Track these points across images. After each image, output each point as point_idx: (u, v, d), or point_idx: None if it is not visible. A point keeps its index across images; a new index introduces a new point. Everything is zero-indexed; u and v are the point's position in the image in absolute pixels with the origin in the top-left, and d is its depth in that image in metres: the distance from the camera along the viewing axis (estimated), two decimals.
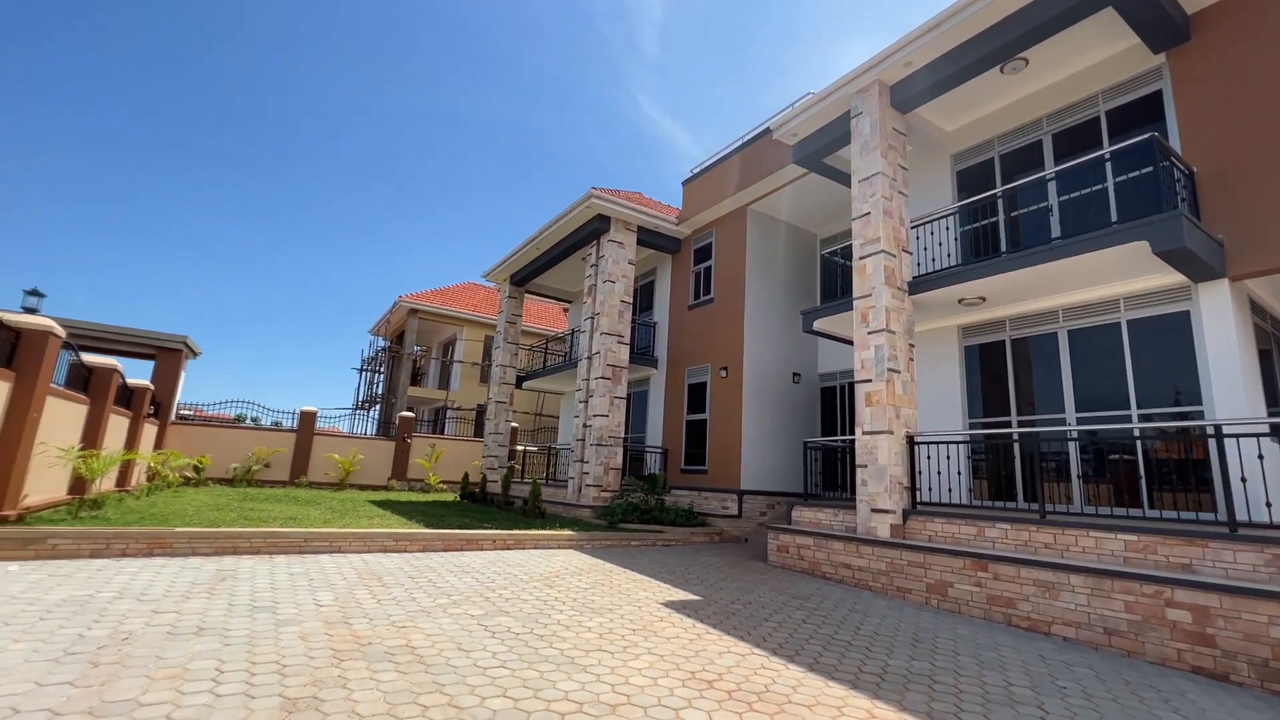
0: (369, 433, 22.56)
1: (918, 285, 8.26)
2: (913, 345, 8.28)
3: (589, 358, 13.57)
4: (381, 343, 28.21)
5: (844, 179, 10.63)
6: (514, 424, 20.53)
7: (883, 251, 8.16)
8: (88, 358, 9.53)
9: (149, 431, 14.02)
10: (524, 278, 17.65)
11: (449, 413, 23.81)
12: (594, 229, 13.71)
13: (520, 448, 17.80)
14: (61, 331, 7.34)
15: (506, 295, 18.05)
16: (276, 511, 10.20)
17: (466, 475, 16.71)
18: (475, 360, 24.79)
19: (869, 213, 8.45)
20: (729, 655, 4.53)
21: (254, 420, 18.26)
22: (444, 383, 27.73)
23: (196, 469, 15.15)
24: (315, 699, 3.26)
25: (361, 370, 27.65)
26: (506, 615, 5.24)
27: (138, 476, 13.09)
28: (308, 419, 17.88)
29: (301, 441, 17.62)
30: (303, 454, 17.53)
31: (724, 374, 12.52)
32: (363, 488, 17.92)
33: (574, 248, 15.02)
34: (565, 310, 28.38)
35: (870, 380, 7.95)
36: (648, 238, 14.24)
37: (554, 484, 14.96)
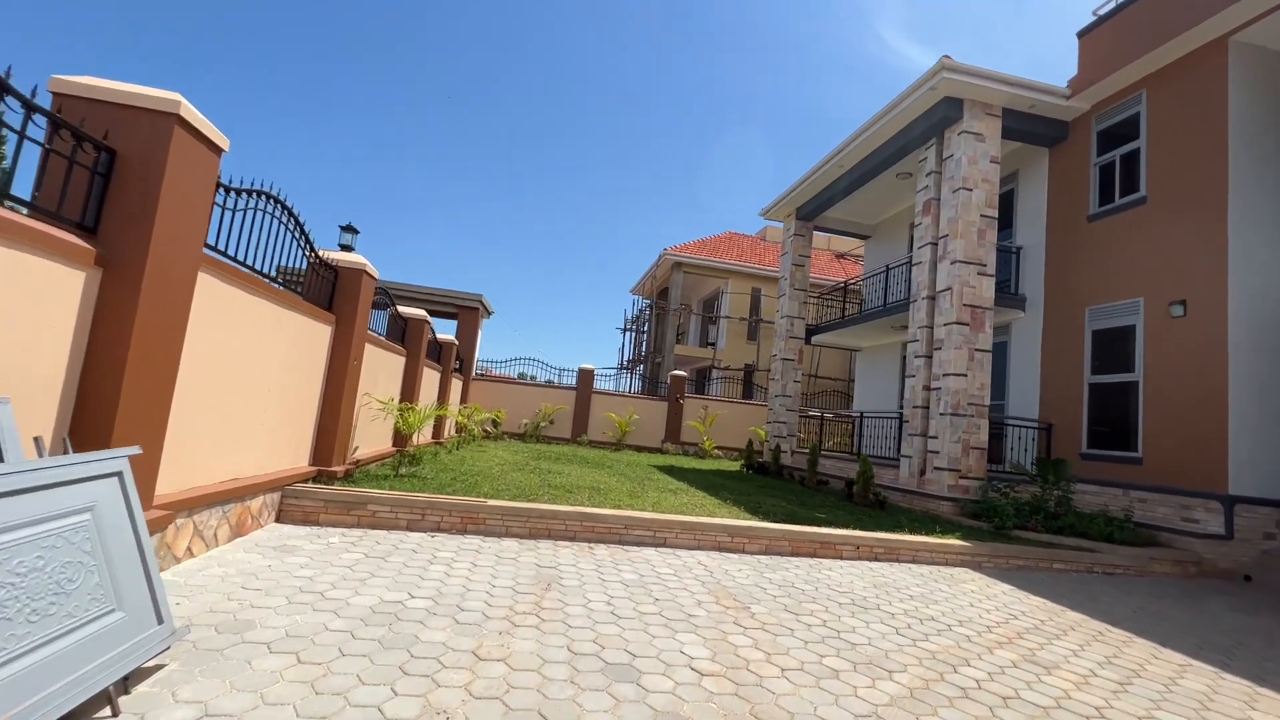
0: (631, 391, 22.08)
1: None
2: None
3: (930, 297, 10.08)
4: (644, 302, 27.82)
5: None
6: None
7: None
8: (403, 310, 9.33)
9: (455, 386, 14.62)
10: (814, 210, 14.58)
11: (715, 372, 22.14)
12: (936, 120, 10.00)
13: (818, 413, 15.05)
14: (374, 271, 6.63)
15: (792, 233, 15.21)
16: (573, 475, 9.11)
17: (750, 443, 14.61)
18: (741, 315, 22.63)
19: None
20: None
21: (531, 377, 18.68)
22: (705, 340, 26.29)
23: (495, 423, 15.62)
24: None
25: (625, 330, 27.65)
26: None
27: (448, 429, 13.59)
28: (586, 377, 17.56)
29: (580, 399, 17.37)
30: (582, 412, 17.28)
31: (1178, 312, 8.01)
32: (638, 449, 17.11)
33: (894, 157, 11.47)
34: (838, 258, 24.59)
35: None
36: (1015, 124, 10.03)
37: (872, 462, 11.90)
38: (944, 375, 9.39)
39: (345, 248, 11.65)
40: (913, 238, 14.07)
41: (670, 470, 12.15)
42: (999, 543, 6.78)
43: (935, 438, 9.37)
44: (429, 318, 9.82)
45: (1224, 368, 7.41)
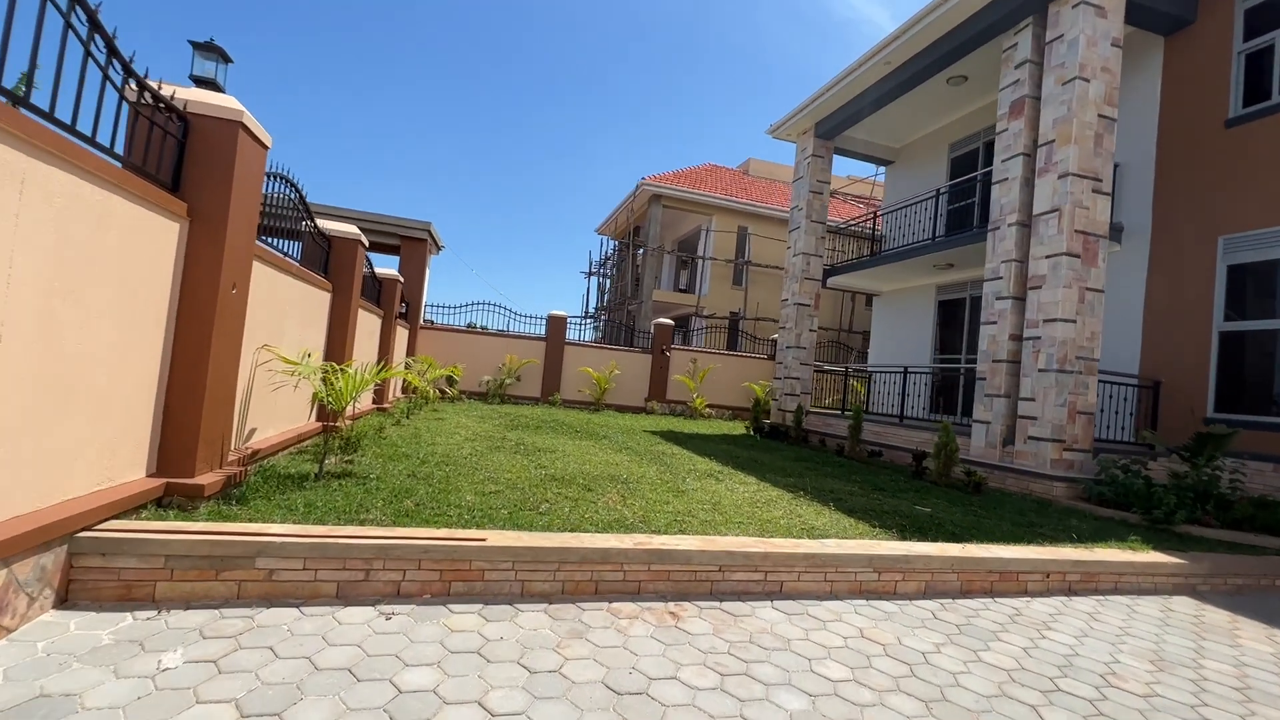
0: (607, 342, 19.59)
1: None
2: None
3: (1022, 223, 7.99)
4: (612, 243, 25.02)
5: None
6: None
7: None
8: (324, 224, 6.45)
9: (400, 336, 11.76)
10: (838, 125, 12.16)
11: (697, 321, 19.88)
12: None
13: (841, 368, 13.05)
14: (264, 132, 3.83)
15: (809, 154, 12.78)
16: (573, 454, 6.78)
17: (758, 402, 12.53)
18: (727, 257, 20.24)
19: None
20: None
21: (481, 327, 15.73)
22: (677, 285, 23.88)
23: (450, 381, 12.89)
24: None
25: (589, 274, 24.86)
26: None
27: (394, 390, 10.84)
28: (557, 325, 14.91)
29: (552, 352, 14.77)
30: (554, 366, 14.71)
31: None
32: (619, 409, 14.81)
33: (962, 49, 9.16)
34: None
35: None
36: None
37: (908, 424, 10.04)
38: (1045, 321, 7.39)
39: (204, 83, 7.10)
40: (957, 159, 11.98)
41: (672, 437, 9.95)
42: (1169, 544, 4.89)
43: (1032, 400, 7.44)
44: (364, 239, 6.97)
45: None
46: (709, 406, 15.48)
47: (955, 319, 11.69)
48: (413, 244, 13.22)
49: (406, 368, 10.68)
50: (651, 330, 15.83)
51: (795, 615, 3.29)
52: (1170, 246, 8.03)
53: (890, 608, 3.56)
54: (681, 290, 23.26)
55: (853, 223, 15.22)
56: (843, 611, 3.42)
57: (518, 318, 15.38)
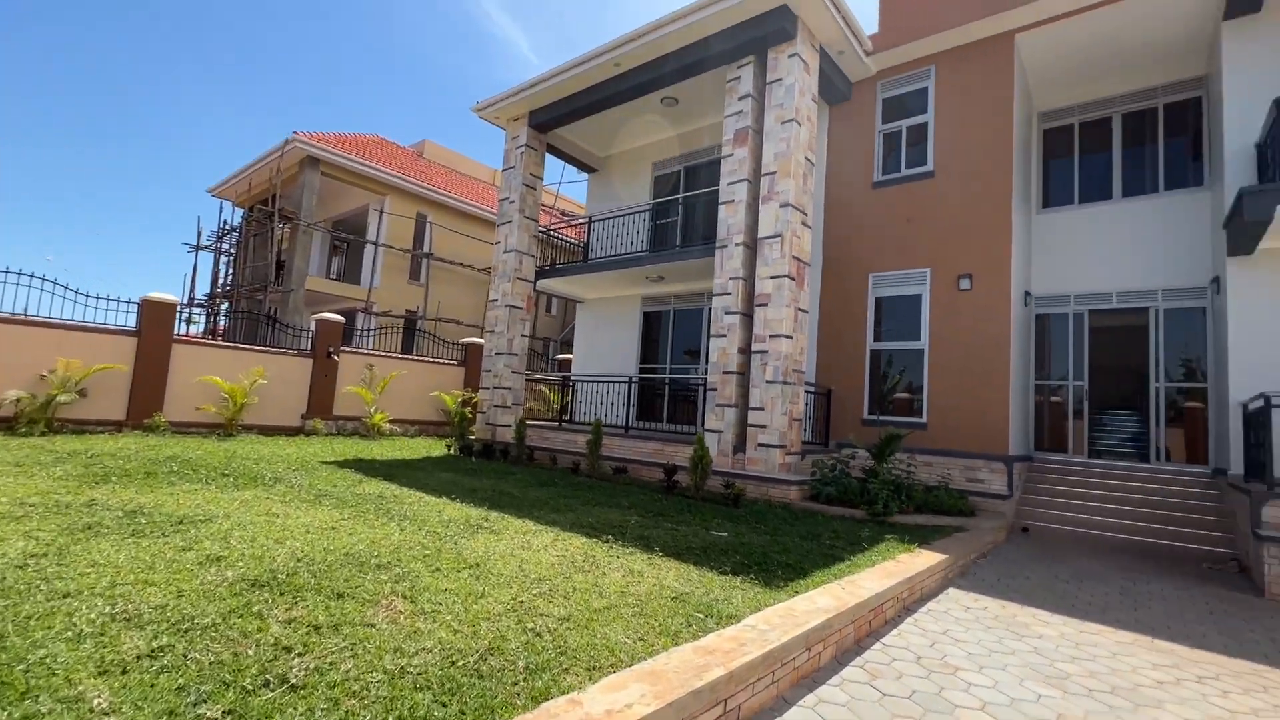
0: (240, 341, 14.39)
1: None
2: None
3: (748, 245, 8.55)
4: (240, 211, 19.04)
5: None
6: (477, 340, 14.55)
7: None
8: None
9: None
10: (554, 119, 11.43)
11: (366, 318, 16.56)
12: (763, 34, 8.39)
13: (558, 376, 12.13)
14: None
15: (523, 143, 11.70)
16: (244, 518, 4.53)
17: (463, 416, 10.83)
18: (404, 246, 17.38)
19: None
20: None
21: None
22: (328, 272, 19.67)
23: None
24: None
25: (198, 249, 18.47)
26: None
27: None
28: (159, 314, 10.23)
29: (150, 351, 10.05)
30: (154, 373, 10.04)
31: (964, 285, 8.47)
32: (266, 431, 11.07)
33: (688, 70, 9.48)
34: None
35: None
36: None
37: (633, 434, 9.92)
38: (772, 336, 8.02)
39: None
40: (660, 177, 12.56)
41: (369, 469, 7.72)
42: (913, 537, 5.67)
43: (761, 409, 7.97)
44: None
45: (1004, 339, 8.09)
46: (391, 422, 12.89)
47: (658, 330, 12.26)
48: None
49: None
50: (312, 327, 12.36)
51: None
52: (836, 279, 9.78)
53: (840, 695, 2.83)
54: (335, 279, 19.25)
55: (554, 227, 14.79)
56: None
57: (83, 301, 9.97)
